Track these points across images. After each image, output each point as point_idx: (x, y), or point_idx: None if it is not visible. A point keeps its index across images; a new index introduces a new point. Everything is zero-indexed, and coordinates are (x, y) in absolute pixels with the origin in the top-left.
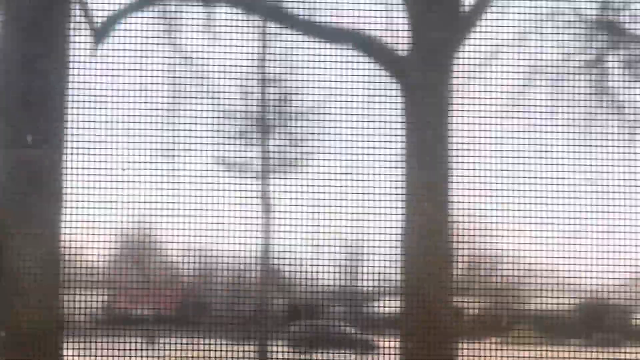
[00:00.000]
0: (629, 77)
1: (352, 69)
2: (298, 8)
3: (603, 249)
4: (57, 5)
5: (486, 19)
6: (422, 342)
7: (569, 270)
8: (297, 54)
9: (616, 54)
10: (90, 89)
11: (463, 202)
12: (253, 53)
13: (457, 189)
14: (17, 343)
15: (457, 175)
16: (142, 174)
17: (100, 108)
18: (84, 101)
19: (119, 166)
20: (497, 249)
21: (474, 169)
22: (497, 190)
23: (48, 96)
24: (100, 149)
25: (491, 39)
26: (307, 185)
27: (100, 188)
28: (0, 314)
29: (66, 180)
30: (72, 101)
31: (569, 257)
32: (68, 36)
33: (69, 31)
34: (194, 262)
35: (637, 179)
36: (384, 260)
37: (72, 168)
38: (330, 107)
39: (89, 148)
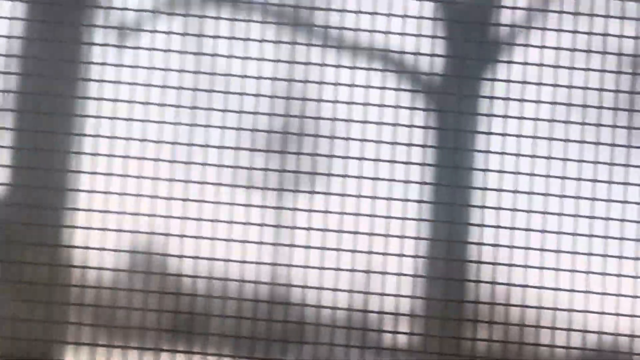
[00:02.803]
0: None
1: (380, 88)
2: (328, 27)
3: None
4: (78, 9)
5: (521, 46)
6: None
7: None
8: (326, 72)
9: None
10: (105, 98)
11: (485, 230)
12: (278, 64)
13: (477, 216)
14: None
15: (478, 206)
16: (156, 185)
17: (115, 118)
18: (98, 110)
19: (132, 177)
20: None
21: (498, 196)
22: (521, 219)
23: (62, 101)
24: (112, 157)
25: (527, 63)
26: (327, 206)
27: (109, 199)
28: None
29: (76, 190)
30: (85, 112)
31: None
32: (87, 40)
33: (88, 35)
34: (203, 278)
35: None
36: (400, 285)
37: (83, 177)
38: (354, 127)
39: (101, 155)
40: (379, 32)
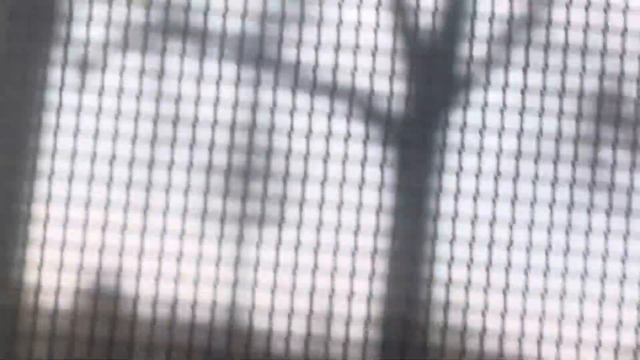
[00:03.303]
0: None
1: (340, 125)
2: (290, 60)
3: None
4: (42, 29)
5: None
6: None
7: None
8: (287, 105)
9: None
10: (67, 125)
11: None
12: (241, 100)
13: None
14: None
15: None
16: (115, 217)
17: (75, 149)
18: (59, 136)
19: (92, 205)
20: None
21: (462, 226)
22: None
23: (22, 128)
24: (71, 188)
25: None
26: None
27: (69, 227)
28: None
29: (31, 215)
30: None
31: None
32: (50, 63)
33: (51, 58)
34: (162, 310)
35: None
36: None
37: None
38: (315, 162)
39: (61, 180)
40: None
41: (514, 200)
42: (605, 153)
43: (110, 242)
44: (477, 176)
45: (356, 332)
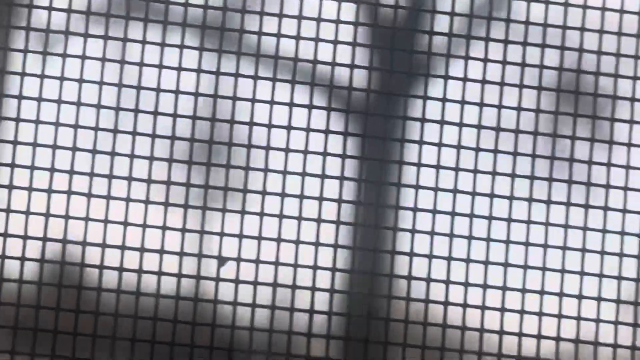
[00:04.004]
0: None
1: (304, 106)
2: (255, 32)
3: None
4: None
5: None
6: None
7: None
8: (250, 84)
9: None
10: (27, 96)
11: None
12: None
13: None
14: None
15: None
16: (76, 191)
17: (36, 120)
18: (18, 108)
19: (51, 181)
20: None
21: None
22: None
23: None
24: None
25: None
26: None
27: (33, 197)
28: None
29: None
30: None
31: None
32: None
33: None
34: (122, 290)
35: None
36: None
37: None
38: (278, 139)
39: (19, 157)
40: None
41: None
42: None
43: (74, 211)
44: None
45: (322, 302)
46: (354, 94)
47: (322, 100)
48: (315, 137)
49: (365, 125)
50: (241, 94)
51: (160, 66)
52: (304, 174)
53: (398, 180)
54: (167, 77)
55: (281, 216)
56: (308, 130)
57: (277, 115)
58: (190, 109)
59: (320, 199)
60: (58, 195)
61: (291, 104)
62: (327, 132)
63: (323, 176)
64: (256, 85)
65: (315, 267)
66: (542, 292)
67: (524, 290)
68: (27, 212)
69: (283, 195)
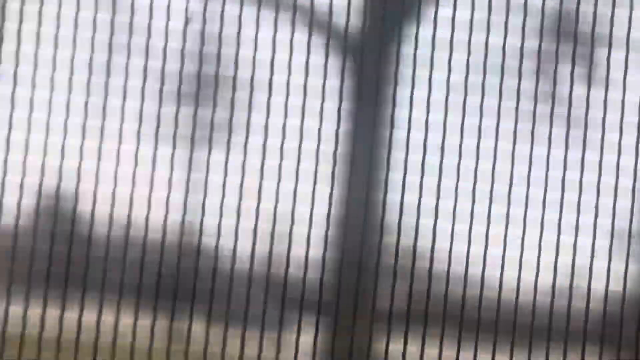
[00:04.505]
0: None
1: (300, 43)
2: None
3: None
4: None
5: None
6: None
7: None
8: (244, 22)
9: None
10: (17, 38)
11: (401, 187)
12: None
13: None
14: None
15: (395, 163)
16: (67, 131)
17: (27, 61)
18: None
19: (42, 123)
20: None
21: (416, 152)
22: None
23: None
24: (23, 101)
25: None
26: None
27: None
28: None
29: None
30: None
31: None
32: None
33: None
34: (115, 228)
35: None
36: (314, 238)
37: None
38: (271, 77)
39: (10, 100)
40: None
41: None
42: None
43: (67, 165)
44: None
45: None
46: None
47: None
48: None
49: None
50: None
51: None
52: (303, 111)
53: (391, 121)
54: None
55: (282, 149)
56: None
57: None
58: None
59: (319, 137)
60: (55, 130)
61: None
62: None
63: (321, 114)
64: (259, 27)
65: (312, 199)
66: (541, 226)
67: (524, 226)
68: (26, 147)
69: (285, 128)
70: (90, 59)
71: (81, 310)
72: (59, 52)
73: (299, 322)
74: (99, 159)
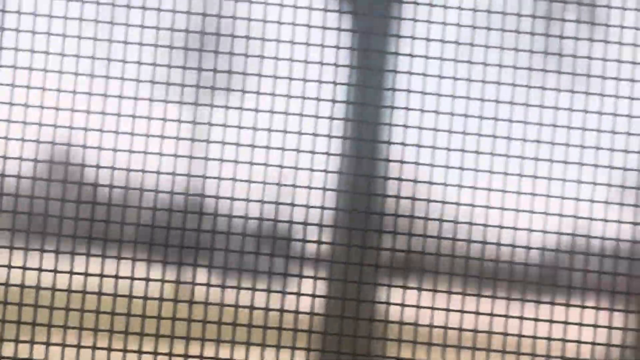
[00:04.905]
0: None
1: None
2: None
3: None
4: None
5: None
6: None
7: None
8: None
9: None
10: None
11: (399, 148)
12: None
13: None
14: None
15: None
16: (66, 84)
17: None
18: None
19: (40, 76)
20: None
21: (413, 112)
22: (435, 139)
23: None
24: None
25: None
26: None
27: (25, 109)
28: None
29: None
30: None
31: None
32: None
33: None
34: (113, 184)
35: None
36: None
37: None
38: (273, 35)
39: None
40: None
41: None
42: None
43: (65, 114)
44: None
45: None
46: None
47: None
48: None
49: None
50: None
51: None
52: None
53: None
54: None
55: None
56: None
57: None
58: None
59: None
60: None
61: None
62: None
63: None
64: None
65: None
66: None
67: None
68: (26, 105)
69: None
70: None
71: (102, 265)
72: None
73: (300, 274)
74: (105, 103)
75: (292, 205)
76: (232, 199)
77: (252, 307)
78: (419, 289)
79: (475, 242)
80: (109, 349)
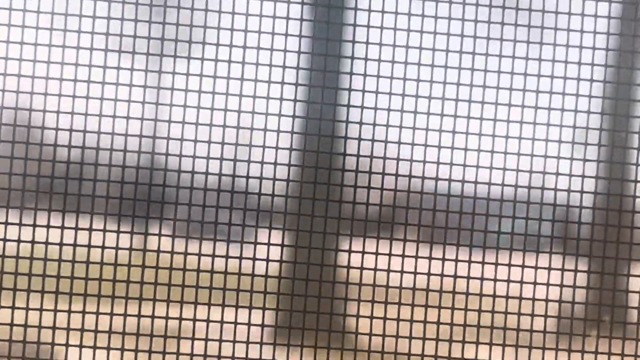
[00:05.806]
0: None
1: None
2: None
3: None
4: None
5: None
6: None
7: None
8: None
9: None
10: None
11: (361, 107)
12: None
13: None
14: None
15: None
16: (26, 42)
17: None
18: None
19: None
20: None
21: (373, 67)
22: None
23: None
24: None
25: None
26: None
27: None
28: None
29: None
30: None
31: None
32: None
33: None
34: (75, 146)
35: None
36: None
37: None
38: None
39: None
40: None
41: None
42: None
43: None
44: None
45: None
46: None
47: None
48: None
49: None
50: None
51: None
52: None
53: None
54: None
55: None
56: None
57: None
58: None
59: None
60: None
61: None
62: None
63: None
64: None
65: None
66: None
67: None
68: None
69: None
70: None
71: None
72: None
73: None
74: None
75: (249, 162)
76: (195, 157)
77: (212, 272)
78: (378, 238)
79: (441, 195)
80: (69, 311)
